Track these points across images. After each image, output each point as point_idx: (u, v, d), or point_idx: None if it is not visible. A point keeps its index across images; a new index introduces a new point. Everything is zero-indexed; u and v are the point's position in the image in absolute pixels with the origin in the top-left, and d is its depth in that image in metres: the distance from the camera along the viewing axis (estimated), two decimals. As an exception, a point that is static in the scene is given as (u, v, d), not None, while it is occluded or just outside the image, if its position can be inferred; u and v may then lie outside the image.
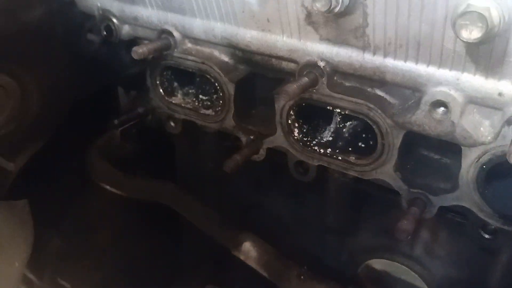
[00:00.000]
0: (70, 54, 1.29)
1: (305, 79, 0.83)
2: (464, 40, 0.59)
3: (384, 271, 1.08)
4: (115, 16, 1.13)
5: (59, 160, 1.66)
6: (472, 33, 0.57)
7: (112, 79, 1.33)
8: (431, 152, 0.88)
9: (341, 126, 0.93)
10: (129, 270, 1.45)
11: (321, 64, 0.84)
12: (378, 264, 1.07)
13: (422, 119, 0.76)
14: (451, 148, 0.85)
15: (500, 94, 0.68)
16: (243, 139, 1.03)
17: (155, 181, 1.23)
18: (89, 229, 1.51)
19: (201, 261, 1.34)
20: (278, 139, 0.97)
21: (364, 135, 0.91)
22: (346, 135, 0.93)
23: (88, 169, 1.33)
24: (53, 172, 1.62)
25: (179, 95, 1.14)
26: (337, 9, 0.70)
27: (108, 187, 1.26)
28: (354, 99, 0.82)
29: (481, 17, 0.56)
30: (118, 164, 1.43)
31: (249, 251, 1.14)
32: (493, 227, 0.81)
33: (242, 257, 1.14)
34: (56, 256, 1.49)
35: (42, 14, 1.20)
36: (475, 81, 0.70)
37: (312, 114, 0.96)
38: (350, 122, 0.92)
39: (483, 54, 0.66)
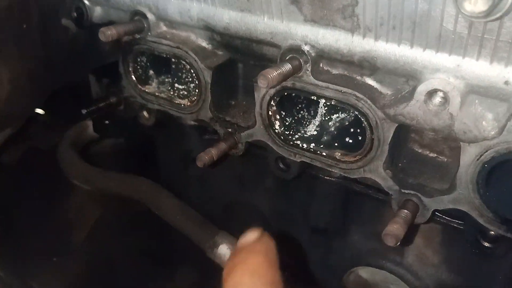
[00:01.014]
0: (45, 41, 1.20)
1: (287, 65, 0.74)
2: (467, 14, 0.50)
3: (372, 280, 0.99)
4: (86, -3, 1.04)
5: (35, 153, 1.58)
6: (477, 5, 0.49)
7: (89, 66, 1.23)
8: (425, 150, 0.79)
9: (326, 119, 0.84)
10: (103, 268, 1.35)
11: (306, 48, 0.75)
12: (365, 272, 0.99)
13: (416, 111, 0.67)
14: (448, 145, 0.77)
15: (506, 83, 0.60)
16: (220, 132, 0.94)
17: (127, 177, 1.14)
18: (63, 225, 1.42)
19: (182, 260, 1.25)
20: (257, 132, 0.88)
21: (352, 130, 0.83)
22: (332, 129, 0.84)
23: (58, 163, 1.24)
24: (24, 164, 1.54)
25: (153, 84, 1.05)
26: (322, -19, 0.61)
27: (78, 183, 1.17)
28: (341, 88, 0.73)
29: (488, -14, 0.47)
30: (94, 159, 1.35)
31: (225, 254, 1.05)
32: (494, 234, 0.72)
33: (217, 261, 1.05)
34: (26, 253, 1.40)
35: (15, -3, 1.11)
36: (478, 68, 0.61)
37: (295, 106, 0.87)
38: (337, 115, 0.84)
39: (488, 35, 0.57)
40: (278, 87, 0.80)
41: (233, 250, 1.05)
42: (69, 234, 1.42)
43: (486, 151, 0.64)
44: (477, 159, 0.66)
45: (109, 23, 1.04)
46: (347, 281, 1.01)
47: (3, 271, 1.34)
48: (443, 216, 0.80)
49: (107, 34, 0.88)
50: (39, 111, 1.50)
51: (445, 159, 0.77)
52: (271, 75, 0.70)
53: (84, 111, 1.03)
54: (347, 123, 0.83)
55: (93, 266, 1.38)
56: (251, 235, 0.55)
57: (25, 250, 1.40)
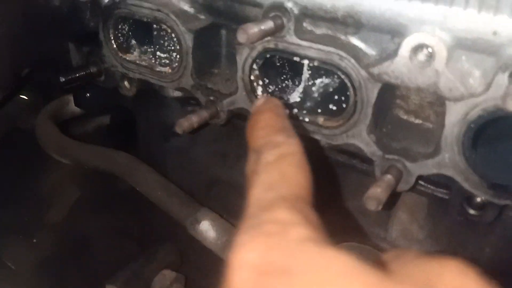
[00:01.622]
0: (26, 9, 1.17)
1: (269, 22, 0.71)
2: None
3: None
4: (66, -40, 1.00)
5: (16, 130, 1.54)
6: None
7: (70, 38, 1.20)
8: (411, 116, 0.76)
9: (310, 83, 0.81)
10: (81, 248, 1.32)
11: (288, 5, 0.72)
12: (348, 247, 0.95)
13: (401, 68, 0.64)
14: (435, 110, 0.74)
15: (495, 33, 0.57)
16: (202, 99, 0.91)
17: (106, 150, 1.10)
18: (40, 204, 1.39)
19: (160, 242, 1.21)
20: (239, 99, 0.84)
21: (336, 97, 0.79)
22: (316, 95, 0.81)
23: (36, 136, 1.20)
24: (8, 145, 1.50)
25: (135, 53, 1.01)
26: None
27: (55, 155, 1.13)
28: (324, 47, 0.70)
29: None
30: (77, 137, 1.31)
31: (207, 230, 1.01)
32: (480, 201, 0.69)
33: (199, 237, 1.02)
34: (2, 233, 1.36)
35: (-8, -41, 1.07)
36: (466, 18, 0.58)
37: (280, 76, 0.84)
38: (321, 80, 0.80)
39: (475, -20, 0.54)
40: (260, 49, 0.77)
41: (215, 227, 1.01)
42: (46, 212, 1.39)
43: (473, 110, 0.61)
44: (463, 119, 0.62)
45: (91, -11, 1.01)
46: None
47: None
48: (428, 186, 0.77)
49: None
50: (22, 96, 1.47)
51: (431, 125, 0.74)
52: (252, 30, 0.67)
53: (62, 79, 0.99)
54: (331, 89, 0.80)
55: (70, 245, 1.34)
56: (258, 101, 0.60)
57: (2, 229, 1.36)
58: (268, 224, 0.38)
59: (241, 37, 0.67)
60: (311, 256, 0.35)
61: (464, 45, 0.60)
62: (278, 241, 0.36)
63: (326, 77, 0.80)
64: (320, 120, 0.77)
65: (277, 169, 0.46)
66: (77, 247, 1.35)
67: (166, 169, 1.14)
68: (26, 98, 1.53)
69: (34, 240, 1.38)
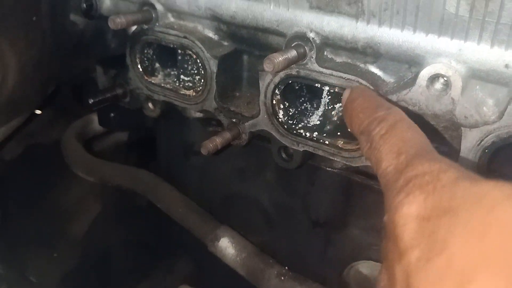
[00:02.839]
0: (53, 33, 1.23)
1: (293, 51, 0.75)
2: (469, -9, 0.51)
3: (372, 276, 0.99)
4: (96, -11, 1.06)
5: (37, 145, 1.59)
6: (479, -18, 0.50)
7: (94, 60, 1.25)
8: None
9: (330, 108, 0.85)
10: (101, 261, 1.35)
11: (311, 35, 0.76)
12: (365, 268, 0.98)
13: (418, 96, 0.68)
14: (449, 134, 0.77)
15: (507, 66, 0.61)
16: (225, 122, 0.95)
17: (130, 169, 1.15)
18: (62, 218, 1.43)
19: (178, 256, 1.25)
20: (261, 122, 0.89)
21: (355, 120, 0.83)
22: (335, 118, 0.85)
23: (62, 153, 1.25)
24: (30, 158, 1.55)
25: (159, 76, 1.06)
26: (328, -36, 0.62)
27: (80, 173, 1.18)
28: (345, 75, 0.75)
29: (490, -39, 0.49)
30: (99, 153, 1.36)
31: (226, 247, 1.05)
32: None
33: (218, 254, 1.05)
34: (25, 246, 1.41)
35: (25, -16, 1.13)
36: (479, 52, 0.62)
37: (299, 98, 0.88)
38: (340, 104, 0.84)
39: (489, 18, 0.58)
40: (282, 75, 0.81)
41: (234, 244, 1.05)
42: (68, 227, 1.43)
43: (487, 136, 0.65)
44: (478, 144, 0.66)
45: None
46: (347, 277, 1.01)
47: (0, 264, 1.34)
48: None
49: (117, 21, 0.90)
50: (37, 111, 1.52)
51: (446, 149, 0.78)
52: (277, 59, 0.72)
53: (91, 101, 1.05)
54: (349, 113, 0.84)
55: (91, 259, 1.38)
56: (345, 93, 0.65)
57: (23, 243, 1.40)
58: (417, 178, 0.41)
59: (267, 66, 0.71)
60: (467, 192, 0.37)
61: (478, 75, 0.64)
62: (433, 188, 0.39)
63: (345, 102, 0.84)
64: (340, 143, 0.81)
65: (394, 137, 0.49)
66: (97, 261, 1.39)
67: (186, 186, 1.18)
68: (39, 112, 1.58)
69: (55, 254, 1.42)
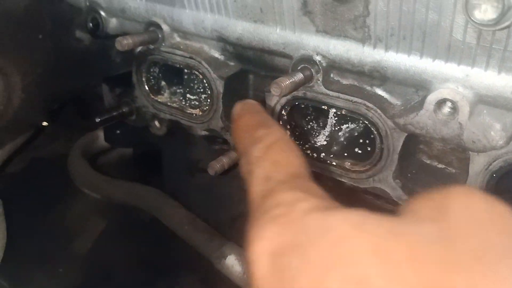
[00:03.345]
0: (58, 50, 1.24)
1: (299, 74, 0.76)
2: (477, 22, 0.52)
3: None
4: (102, 8, 1.07)
5: (40, 159, 1.59)
6: (486, 14, 0.50)
7: (99, 78, 1.26)
8: (434, 161, 0.80)
9: (336, 129, 0.86)
10: (105, 278, 1.35)
11: (317, 58, 0.77)
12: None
13: (426, 120, 0.68)
14: (457, 156, 0.77)
15: (514, 92, 0.61)
16: (231, 141, 0.95)
17: (135, 186, 1.15)
18: (67, 235, 1.43)
19: (181, 274, 1.24)
20: (268, 142, 0.89)
21: (361, 140, 0.84)
22: (342, 139, 0.85)
23: (68, 170, 1.25)
24: (33, 172, 1.55)
25: (165, 94, 1.07)
26: (335, -8, 0.63)
27: (86, 190, 1.18)
28: (351, 98, 0.75)
29: (498, -5, 0.49)
30: (103, 167, 1.36)
31: (233, 265, 1.05)
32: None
33: (225, 272, 1.05)
34: (30, 261, 1.40)
35: (29, 4, 1.14)
36: (486, 77, 0.62)
37: (305, 117, 0.88)
38: (347, 125, 0.85)
39: (496, 45, 0.59)
40: (289, 97, 0.82)
41: (241, 261, 1.05)
42: (72, 243, 1.43)
43: (495, 161, 0.65)
44: (486, 169, 0.66)
45: (124, 34, 1.06)
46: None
47: (4, 279, 1.34)
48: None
49: (124, 43, 0.91)
50: (44, 123, 1.53)
51: (454, 170, 0.78)
52: (284, 83, 0.72)
53: (97, 119, 1.05)
54: (356, 134, 0.85)
55: (95, 275, 1.37)
56: (234, 108, 0.61)
57: (28, 257, 1.40)
58: (272, 209, 0.39)
59: (275, 91, 0.71)
60: (316, 225, 0.35)
61: (485, 101, 0.64)
62: (285, 221, 0.37)
63: (351, 123, 0.85)
64: (347, 164, 0.81)
65: (267, 160, 0.47)
66: (101, 277, 1.39)
67: (192, 203, 1.18)
68: (46, 124, 1.59)
69: (60, 270, 1.42)
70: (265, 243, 0.37)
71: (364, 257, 0.32)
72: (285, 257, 0.35)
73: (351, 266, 0.32)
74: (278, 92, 0.71)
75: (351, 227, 0.34)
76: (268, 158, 0.47)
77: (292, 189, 0.41)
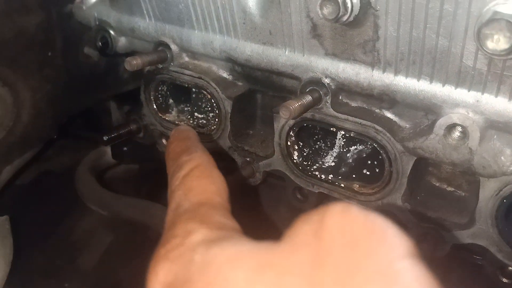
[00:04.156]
0: (67, 67, 1.25)
1: (308, 97, 0.76)
2: (490, 52, 0.52)
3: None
4: (111, 27, 1.08)
5: (48, 175, 1.60)
6: (499, 44, 0.50)
7: (107, 95, 1.27)
8: (443, 183, 0.79)
9: (344, 150, 0.86)
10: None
11: (326, 81, 0.77)
12: None
13: (435, 144, 0.68)
14: (466, 179, 0.77)
15: (525, 119, 0.61)
16: (239, 160, 0.95)
17: (142, 202, 1.15)
18: (74, 250, 1.43)
19: None
20: (275, 162, 0.89)
21: (369, 162, 0.84)
22: (350, 160, 0.85)
23: (75, 187, 1.26)
24: (41, 185, 1.56)
25: (173, 112, 1.07)
26: (345, 18, 0.63)
27: (94, 207, 1.18)
28: (360, 121, 0.75)
29: (510, 26, 0.49)
30: (110, 184, 1.37)
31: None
32: (513, 270, 0.72)
33: None
34: (36, 276, 1.40)
35: (40, 22, 1.15)
36: (497, 103, 0.62)
37: (312, 137, 0.88)
38: (355, 147, 0.85)
39: (507, 72, 0.59)
40: (297, 118, 0.82)
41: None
42: (78, 258, 1.42)
43: (505, 186, 0.65)
44: (496, 194, 0.66)
45: (132, 52, 1.08)
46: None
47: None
48: (463, 250, 0.80)
49: (133, 63, 0.91)
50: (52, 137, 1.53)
51: (463, 193, 0.78)
52: (293, 107, 0.72)
53: (105, 138, 1.05)
54: (364, 155, 0.84)
55: (102, 291, 1.37)
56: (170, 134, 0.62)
57: (35, 272, 1.40)
58: (169, 241, 0.42)
59: (284, 114, 0.72)
60: (202, 258, 0.38)
61: (496, 126, 0.64)
62: (178, 254, 0.40)
63: (359, 144, 0.84)
64: (356, 186, 0.81)
65: (181, 189, 0.49)
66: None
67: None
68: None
69: (67, 285, 1.42)
70: (160, 277, 0.40)
71: None
72: None
73: None
74: (288, 115, 0.71)
75: (226, 261, 0.36)
76: (183, 186, 0.49)
77: (190, 219, 0.44)
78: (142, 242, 1.41)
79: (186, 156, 0.54)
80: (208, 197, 0.48)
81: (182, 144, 0.59)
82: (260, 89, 0.93)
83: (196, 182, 0.49)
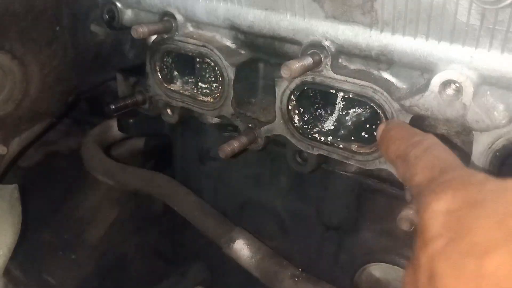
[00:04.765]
0: (74, 43, 1.28)
1: (309, 58, 0.78)
2: (479, 1, 0.54)
3: (384, 279, 1.00)
4: (118, 0, 1.11)
5: (54, 153, 1.64)
6: (489, -8, 0.53)
7: (113, 72, 1.30)
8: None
9: (344, 113, 0.88)
10: (117, 266, 1.39)
11: (326, 43, 0.79)
12: (377, 270, 1.00)
13: (431, 101, 0.71)
14: (462, 139, 0.80)
15: (516, 72, 0.63)
16: (241, 127, 0.98)
17: (147, 173, 1.18)
18: (80, 224, 1.47)
19: (193, 259, 1.27)
20: (277, 127, 0.92)
21: (368, 125, 0.86)
22: (349, 123, 0.88)
23: (82, 158, 1.29)
24: (47, 165, 1.60)
25: (178, 83, 1.10)
26: (344, -24, 0.66)
27: (100, 176, 1.21)
28: (358, 81, 0.78)
29: (499, -28, 0.52)
30: (117, 158, 1.40)
31: (241, 249, 1.08)
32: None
33: (233, 256, 1.08)
34: (44, 250, 1.44)
35: (49, -3, 1.18)
36: (490, 58, 0.65)
37: (313, 105, 0.91)
38: (354, 110, 0.87)
39: (499, 26, 0.61)
40: (298, 82, 0.84)
41: (249, 246, 1.07)
42: (85, 232, 1.46)
43: (498, 140, 0.68)
44: (489, 148, 0.69)
45: (139, 25, 1.10)
46: (359, 281, 1.03)
47: (19, 266, 1.38)
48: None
49: (139, 31, 0.94)
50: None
51: (457, 153, 0.80)
52: (294, 66, 0.75)
53: (112, 106, 1.09)
54: (363, 118, 0.87)
55: (108, 263, 1.41)
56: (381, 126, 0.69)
57: (42, 246, 1.44)
58: (447, 182, 0.45)
59: (284, 73, 0.74)
60: (494, 187, 0.41)
61: (489, 81, 0.67)
62: (462, 186, 0.43)
63: (358, 107, 0.87)
64: (354, 146, 0.84)
65: (429, 156, 0.53)
66: (114, 265, 1.42)
67: (202, 190, 1.21)
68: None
69: (73, 257, 1.46)
70: (442, 203, 0.42)
71: None
72: (462, 210, 0.40)
73: None
74: (288, 74, 0.74)
75: None
76: (430, 154, 0.54)
77: (462, 168, 0.48)
78: (147, 215, 1.45)
79: (421, 136, 0.59)
80: (461, 164, 0.52)
81: (408, 129, 0.65)
82: (262, 57, 0.96)
83: (444, 153, 0.54)
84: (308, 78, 0.83)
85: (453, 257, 0.37)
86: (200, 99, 1.04)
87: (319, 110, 0.92)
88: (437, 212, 0.41)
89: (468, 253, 0.37)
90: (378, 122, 0.79)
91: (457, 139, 0.80)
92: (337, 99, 0.87)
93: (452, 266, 0.37)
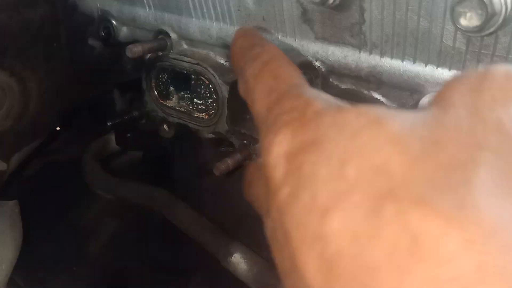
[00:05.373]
0: (72, 58, 1.29)
1: (299, 79, 0.79)
2: (463, 29, 0.55)
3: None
4: (114, 17, 1.12)
5: (55, 163, 1.65)
6: (471, 21, 0.54)
7: (111, 84, 1.32)
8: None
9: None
10: (118, 278, 1.40)
11: (316, 64, 0.80)
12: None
13: (420, 122, 0.72)
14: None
15: (502, 95, 0.64)
16: (236, 143, 0.99)
17: (147, 187, 1.19)
18: (82, 236, 1.48)
19: (194, 271, 1.29)
20: (271, 144, 0.93)
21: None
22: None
23: (82, 174, 1.31)
24: (48, 175, 1.61)
25: (174, 99, 1.11)
26: (331, 1, 0.67)
27: (100, 191, 1.23)
28: (349, 102, 0.78)
29: (481, 4, 0.52)
30: (116, 171, 1.41)
31: (239, 263, 1.09)
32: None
33: (231, 269, 1.09)
34: (46, 262, 1.46)
35: (46, 14, 1.20)
36: (476, 81, 0.65)
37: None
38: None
39: (485, 50, 0.62)
40: (290, 101, 0.85)
41: (246, 259, 1.09)
42: (86, 244, 1.48)
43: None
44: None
45: (134, 42, 1.11)
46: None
47: (22, 278, 1.40)
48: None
49: (134, 50, 0.95)
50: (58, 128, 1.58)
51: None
52: (284, 88, 0.76)
53: (109, 123, 1.10)
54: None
55: (109, 276, 1.42)
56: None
57: (43, 258, 1.46)
58: (283, 115, 0.38)
59: (275, 95, 0.75)
60: (332, 121, 0.34)
61: (476, 103, 0.67)
62: (299, 123, 0.36)
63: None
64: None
65: (266, 75, 0.46)
66: (114, 276, 1.44)
67: (200, 203, 1.22)
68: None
69: (75, 268, 1.47)
70: (283, 146, 0.36)
71: (383, 146, 0.31)
72: (302, 154, 0.34)
73: (369, 155, 0.31)
74: (279, 96, 0.75)
75: (368, 122, 0.33)
76: (267, 73, 0.46)
77: (299, 94, 0.40)
78: (147, 227, 1.46)
79: (259, 47, 0.51)
80: (301, 81, 0.45)
81: (249, 39, 0.55)
82: (256, 75, 0.97)
83: (283, 68, 0.46)
84: (300, 97, 0.83)
85: (297, 212, 0.32)
86: (195, 115, 1.05)
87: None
88: (278, 157, 0.36)
89: (310, 208, 0.31)
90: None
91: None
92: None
93: (296, 224, 0.32)
